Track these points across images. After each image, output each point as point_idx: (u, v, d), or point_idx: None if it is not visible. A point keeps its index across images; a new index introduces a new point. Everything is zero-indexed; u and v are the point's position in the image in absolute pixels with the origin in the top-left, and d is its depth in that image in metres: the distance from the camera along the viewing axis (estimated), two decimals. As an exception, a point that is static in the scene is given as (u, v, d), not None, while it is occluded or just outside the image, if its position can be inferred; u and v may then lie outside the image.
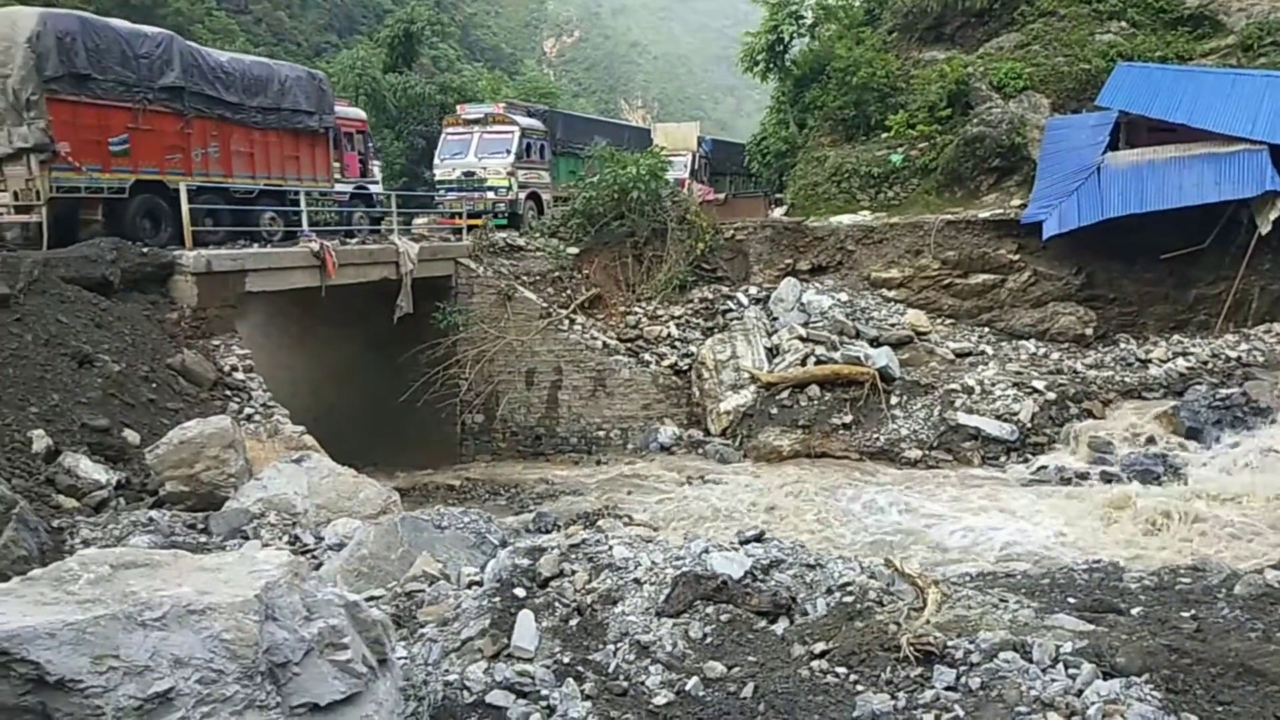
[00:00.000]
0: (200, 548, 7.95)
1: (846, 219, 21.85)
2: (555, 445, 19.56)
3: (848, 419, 17.14)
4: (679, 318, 20.34)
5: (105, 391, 11.02)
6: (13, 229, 14.54)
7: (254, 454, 10.97)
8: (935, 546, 12.27)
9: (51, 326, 11.42)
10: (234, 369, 13.50)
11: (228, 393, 13.00)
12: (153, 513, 9.06)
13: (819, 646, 5.74)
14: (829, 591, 6.51)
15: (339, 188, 20.37)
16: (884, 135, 23.85)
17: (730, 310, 20.31)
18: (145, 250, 14.13)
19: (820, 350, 18.37)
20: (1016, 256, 20.03)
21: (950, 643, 5.63)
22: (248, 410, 12.80)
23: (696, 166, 32.91)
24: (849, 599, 6.35)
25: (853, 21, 28.08)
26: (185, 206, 14.67)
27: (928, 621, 5.94)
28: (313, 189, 19.01)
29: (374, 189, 22.27)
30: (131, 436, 10.61)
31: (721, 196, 30.14)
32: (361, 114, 23.70)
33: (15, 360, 10.51)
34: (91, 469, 9.55)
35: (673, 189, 23.05)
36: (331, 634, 4.64)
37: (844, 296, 20.16)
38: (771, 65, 30.38)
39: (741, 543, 7.27)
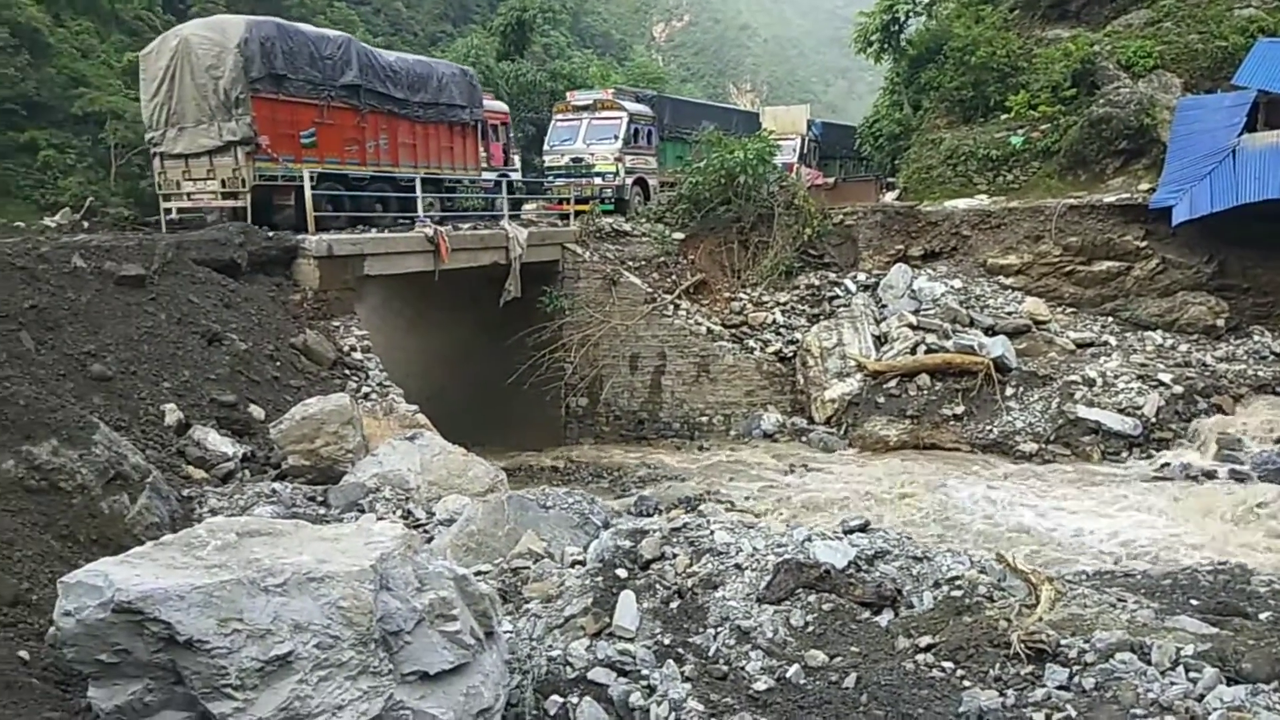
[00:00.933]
0: (319, 519, 8.29)
1: (962, 203, 21.17)
2: (657, 430, 19.65)
3: (959, 410, 16.66)
4: (784, 304, 20.12)
5: (233, 369, 11.59)
6: (213, 213, 16.24)
7: (370, 431, 11.37)
8: (1050, 543, 11.82)
9: (184, 306, 12.06)
10: (352, 349, 14.00)
11: (346, 372, 13.50)
12: (275, 485, 9.50)
13: (925, 640, 5.63)
14: (936, 585, 6.37)
15: (485, 176, 21.66)
16: (1003, 116, 22.97)
17: (837, 297, 19.97)
18: (271, 234, 14.83)
19: (931, 338, 17.89)
20: (1144, 243, 19.04)
21: (1063, 641, 5.44)
22: (365, 389, 13.26)
23: (805, 150, 32.43)
24: (957, 593, 6.20)
25: (972, -1, 27.15)
26: (309, 192, 15.54)
27: (1040, 619, 5.76)
28: (463, 177, 20.66)
29: (514, 176, 23.48)
30: (256, 412, 11.14)
31: (831, 181, 29.62)
32: (504, 107, 25.18)
33: (150, 337, 11.14)
34: (219, 442, 10.07)
35: (780, 173, 22.78)
36: (442, 605, 4.79)
37: (958, 283, 19.57)
38: (886, 46, 29.65)
39: (846, 532, 7.18)
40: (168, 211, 16.46)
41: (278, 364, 12.46)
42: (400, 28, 70.47)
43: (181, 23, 16.39)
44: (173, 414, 10.13)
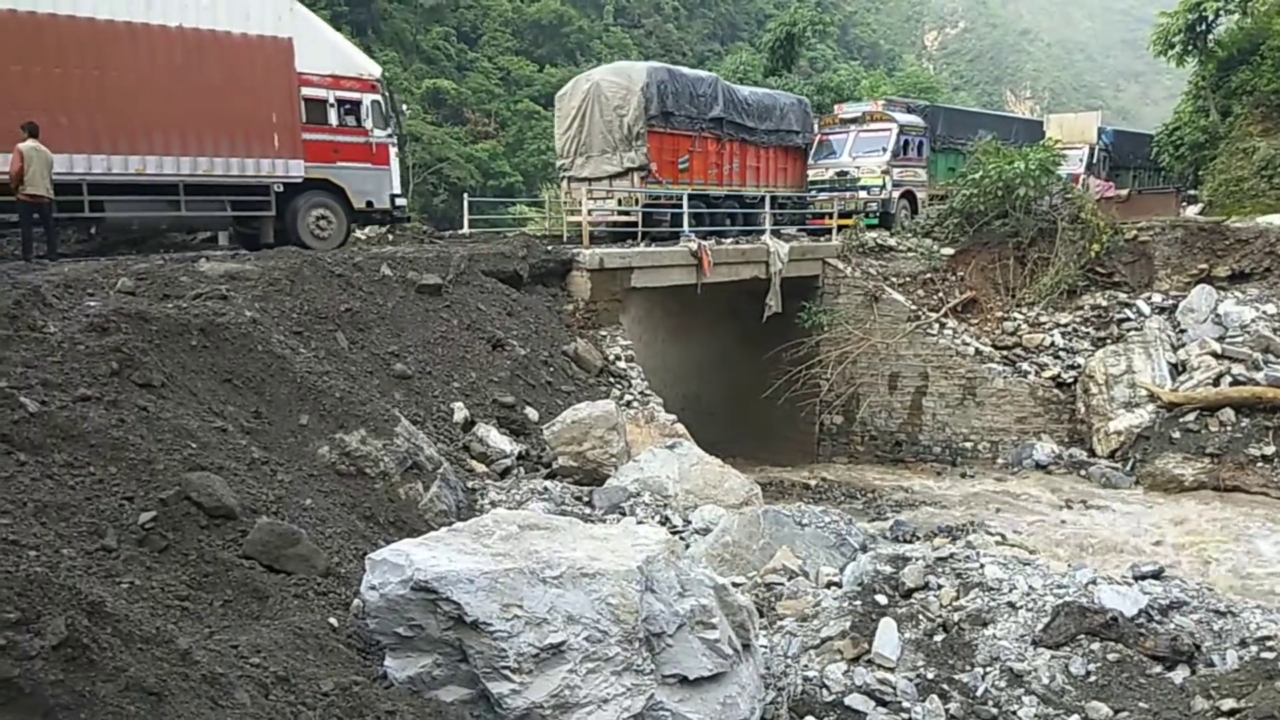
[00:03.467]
0: (585, 518, 8.70)
1: (1278, 219, 18.79)
2: (916, 453, 18.92)
3: (1269, 450, 14.76)
4: (1065, 325, 18.74)
5: (512, 372, 12.43)
6: (598, 226, 19.45)
7: (632, 437, 11.80)
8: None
9: (472, 313, 13.10)
10: (617, 358, 14.60)
11: (611, 379, 14.10)
12: (547, 483, 10.07)
13: (1227, 704, 5.04)
14: (1243, 644, 5.69)
15: (784, 193, 23.20)
16: (1335, 121, 20.22)
17: (1127, 320, 18.31)
18: (550, 248, 15.83)
19: (1238, 369, 15.98)
20: None
21: None
22: (628, 397, 13.78)
23: (1094, 160, 30.04)
24: (1269, 654, 5.50)
25: (1297, -9, 24.11)
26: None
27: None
28: (793, 194, 23.10)
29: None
30: (532, 414, 11.88)
31: (1123, 193, 27.25)
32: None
33: (443, 341, 12.19)
34: (499, 440, 10.82)
35: (1065, 184, 21.26)
36: (702, 612, 4.88)
37: (1271, 309, 17.35)
38: (1191, 46, 26.98)
39: (1136, 578, 6.58)
40: (573, 226, 19.00)
41: (551, 369, 13.23)
42: (670, 48, 72.83)
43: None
44: (460, 412, 11.01)
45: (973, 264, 20.13)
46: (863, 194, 22.72)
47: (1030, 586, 6.25)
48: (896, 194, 22.91)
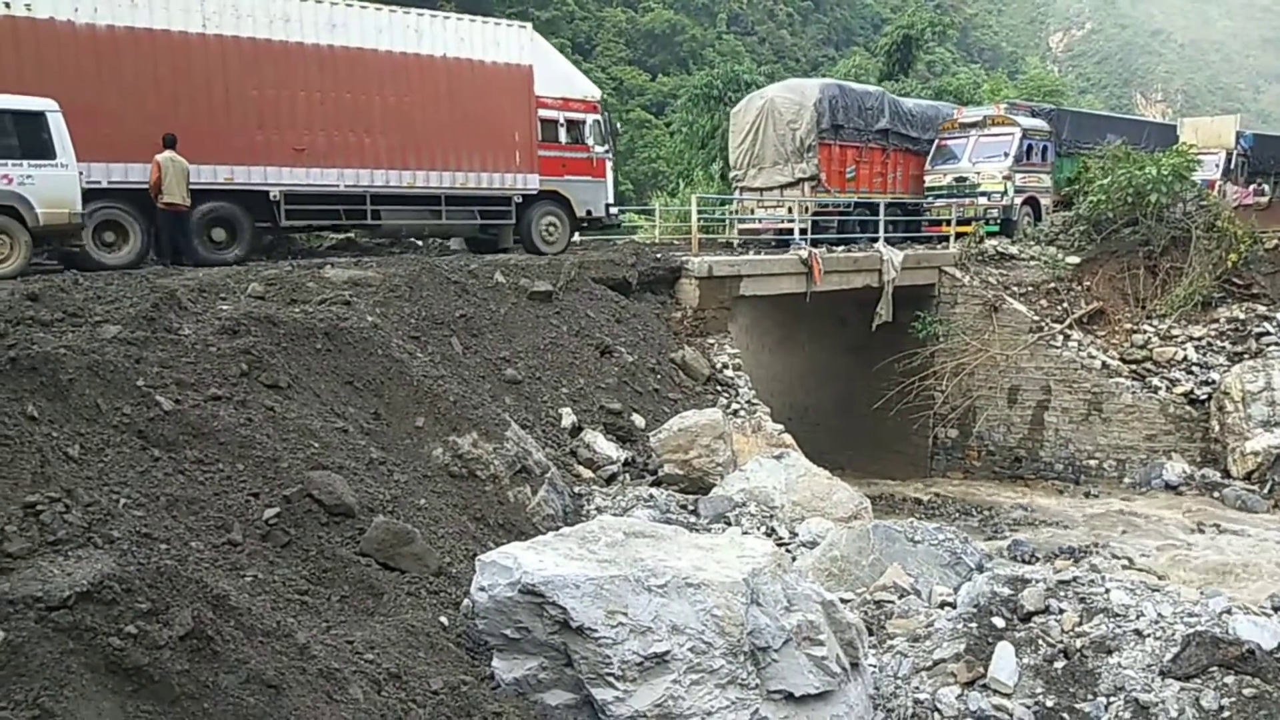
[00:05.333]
0: (691, 527, 8.66)
1: None
2: (1036, 469, 18.19)
3: None
4: (1198, 339, 17.72)
5: (620, 379, 12.51)
6: (765, 232, 21.18)
7: (738, 446, 11.71)
8: None
9: (582, 320, 13.24)
10: (724, 366, 14.52)
11: (718, 387, 14.02)
12: (652, 490, 10.08)
13: (1383, 753, 4.65)
14: (1404, 689, 5.24)
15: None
16: None
17: (1266, 334, 17.20)
18: (659, 255, 15.91)
19: (1396, 388, 14.83)
20: None
21: None
22: (734, 405, 13.68)
23: (1232, 165, 28.36)
24: None
25: None
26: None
27: None
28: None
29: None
30: (638, 420, 11.92)
31: (1263, 200, 25.65)
32: None
33: (554, 347, 12.36)
34: (606, 446, 10.89)
35: (1200, 191, 20.14)
36: (809, 628, 4.79)
37: None
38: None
39: (1275, 608, 6.16)
40: (742, 233, 20.73)
41: (658, 377, 13.25)
42: (784, 54, 72.31)
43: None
44: (568, 417, 11.14)
45: (1100, 273, 19.25)
46: (983, 200, 22.02)
47: (1159, 614, 5.91)
48: (1019, 200, 22.12)
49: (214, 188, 13.23)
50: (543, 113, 16.52)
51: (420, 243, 18.26)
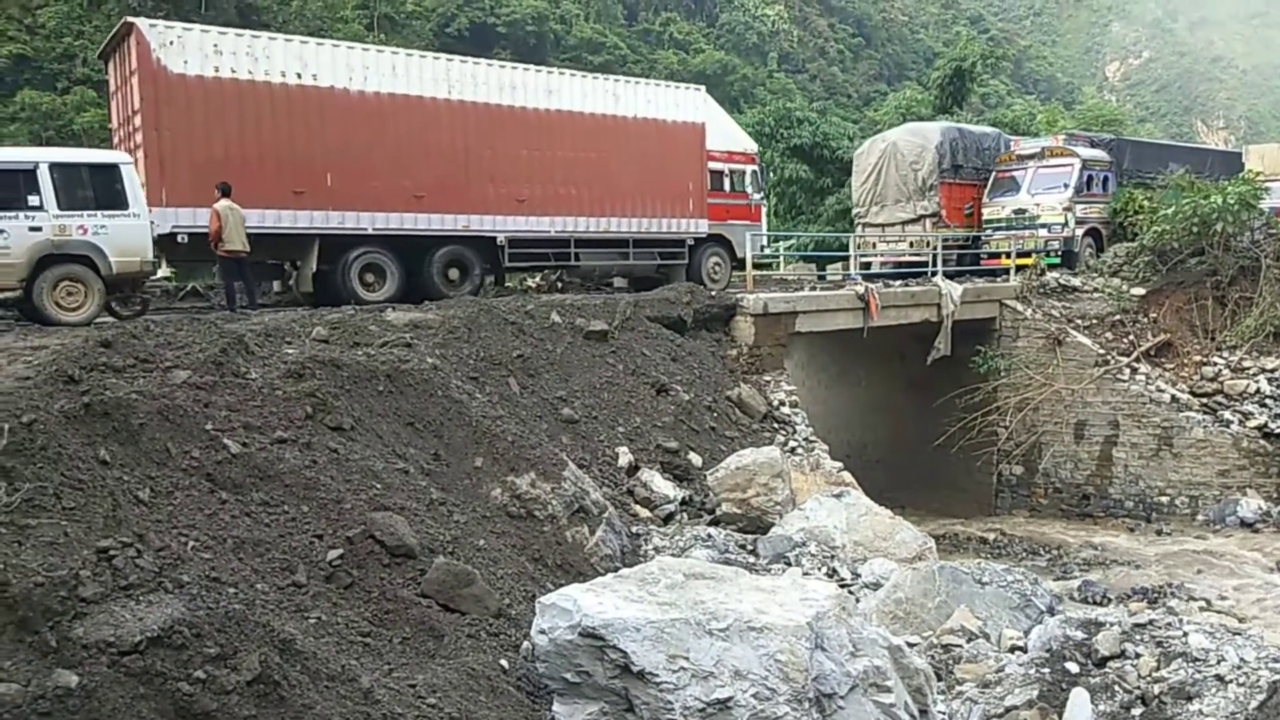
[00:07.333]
0: (750, 567, 8.56)
1: None
2: (1105, 507, 17.64)
3: None
4: (1272, 371, 17.14)
5: (676, 417, 12.47)
6: (886, 265, 22.12)
7: (797, 485, 11.57)
8: None
9: (637, 358, 13.26)
10: (781, 403, 14.40)
11: (775, 425, 13.90)
12: (710, 529, 9.99)
13: None
14: None
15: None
16: None
17: (1347, 365, 16.60)
18: (714, 293, 15.98)
19: None
20: None
21: None
22: (792, 443, 13.54)
23: (1302, 192, 27.54)
24: None
25: None
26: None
27: None
28: None
29: None
30: (695, 459, 11.86)
31: (1337, 226, 24.85)
32: None
33: (609, 386, 12.38)
34: (663, 485, 10.84)
35: (1269, 219, 19.59)
36: (876, 674, 4.68)
37: None
38: None
39: (1370, 655, 5.85)
40: (864, 266, 21.45)
41: (714, 415, 13.18)
42: (835, 91, 72.39)
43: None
44: (625, 456, 11.11)
45: (1166, 304, 18.77)
46: (1043, 232, 21.68)
47: (1242, 659, 5.67)
48: (1080, 231, 21.73)
49: (453, 234, 15.06)
50: (711, 164, 18.52)
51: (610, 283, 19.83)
